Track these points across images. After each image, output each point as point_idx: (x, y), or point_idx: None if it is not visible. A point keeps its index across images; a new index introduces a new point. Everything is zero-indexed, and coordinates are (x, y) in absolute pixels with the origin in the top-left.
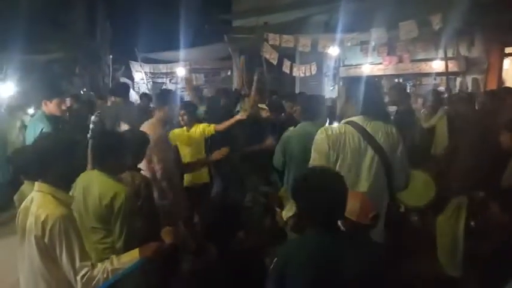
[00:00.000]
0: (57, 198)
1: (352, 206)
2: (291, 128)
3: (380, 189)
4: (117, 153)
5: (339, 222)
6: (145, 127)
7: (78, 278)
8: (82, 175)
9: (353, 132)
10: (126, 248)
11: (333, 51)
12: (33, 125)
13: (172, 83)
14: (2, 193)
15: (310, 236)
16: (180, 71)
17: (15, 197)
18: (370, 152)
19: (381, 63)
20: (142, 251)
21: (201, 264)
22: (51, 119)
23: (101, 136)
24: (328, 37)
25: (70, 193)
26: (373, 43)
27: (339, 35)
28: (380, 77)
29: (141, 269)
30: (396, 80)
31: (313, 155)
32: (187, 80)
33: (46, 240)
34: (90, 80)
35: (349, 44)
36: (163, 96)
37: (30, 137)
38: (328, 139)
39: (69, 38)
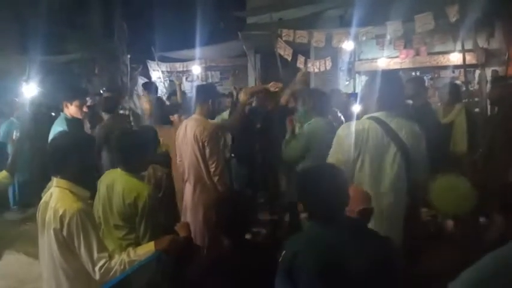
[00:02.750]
0: (74, 193)
1: None
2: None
3: (401, 187)
4: (139, 152)
5: None
6: (195, 124)
7: (96, 268)
8: (106, 174)
9: (376, 128)
10: (157, 235)
11: (348, 45)
12: (53, 128)
13: (188, 81)
14: (30, 190)
15: (315, 229)
16: (196, 69)
17: (43, 194)
18: (392, 149)
19: (397, 57)
20: (157, 243)
21: (213, 257)
22: (71, 121)
23: (123, 136)
24: (343, 31)
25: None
26: (388, 36)
27: (353, 29)
28: (397, 70)
29: (156, 261)
30: (413, 74)
31: (333, 149)
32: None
33: (64, 233)
34: (109, 80)
35: (364, 37)
36: (206, 90)
37: None
38: (351, 135)
39: (87, 39)
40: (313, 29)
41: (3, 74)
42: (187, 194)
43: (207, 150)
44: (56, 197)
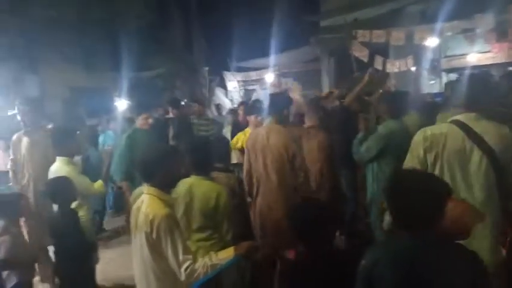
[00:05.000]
0: (162, 199)
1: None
2: (381, 126)
3: (492, 197)
4: (207, 158)
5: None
6: (283, 133)
7: (182, 269)
8: (182, 182)
9: (456, 131)
10: (234, 240)
11: (432, 42)
12: (123, 139)
13: (263, 89)
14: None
15: (398, 239)
16: (269, 76)
17: (133, 200)
18: (477, 155)
19: (489, 51)
20: (237, 248)
21: (291, 265)
22: (139, 131)
23: (197, 144)
24: (425, 28)
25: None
26: (478, 30)
27: (437, 25)
28: (489, 66)
29: (236, 265)
30: (510, 69)
31: (409, 156)
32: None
33: (154, 236)
34: (190, 92)
35: (449, 33)
36: (280, 100)
37: (123, 148)
38: (424, 141)
39: (169, 54)
40: (391, 28)
41: (99, 90)
42: (262, 202)
43: (297, 161)
44: (147, 203)
